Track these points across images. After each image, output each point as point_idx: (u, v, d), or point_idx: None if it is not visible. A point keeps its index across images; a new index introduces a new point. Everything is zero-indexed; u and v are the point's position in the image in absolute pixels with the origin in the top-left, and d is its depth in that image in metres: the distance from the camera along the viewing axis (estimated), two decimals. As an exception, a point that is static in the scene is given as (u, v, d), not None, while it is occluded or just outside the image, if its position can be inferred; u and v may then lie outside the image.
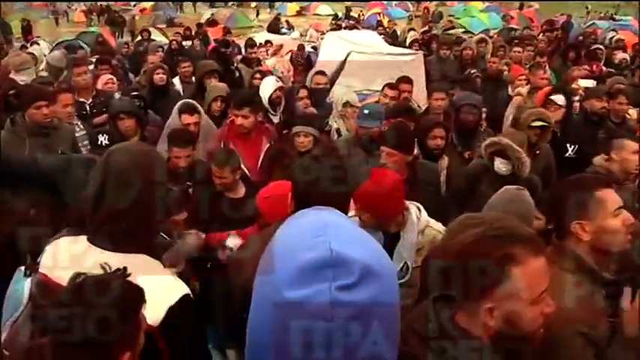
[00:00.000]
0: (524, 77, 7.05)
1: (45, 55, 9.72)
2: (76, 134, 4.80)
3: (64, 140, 4.43)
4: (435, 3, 40.42)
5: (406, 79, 5.98)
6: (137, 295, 1.47)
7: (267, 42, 11.33)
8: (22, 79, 6.90)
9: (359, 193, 2.65)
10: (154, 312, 1.59)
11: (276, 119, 5.29)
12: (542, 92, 5.48)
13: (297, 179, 1.98)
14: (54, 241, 1.85)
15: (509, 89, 7.12)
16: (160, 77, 6.22)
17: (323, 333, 0.86)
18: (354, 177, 2.28)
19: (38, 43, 11.76)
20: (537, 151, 4.41)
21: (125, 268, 1.51)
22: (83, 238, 1.76)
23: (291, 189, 2.01)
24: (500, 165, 3.83)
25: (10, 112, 5.32)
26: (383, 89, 5.76)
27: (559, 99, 5.12)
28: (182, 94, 6.56)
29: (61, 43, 15.33)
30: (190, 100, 4.85)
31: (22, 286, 2.13)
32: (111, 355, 1.41)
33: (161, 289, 1.66)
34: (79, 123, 5.10)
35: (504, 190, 2.95)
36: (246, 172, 4.10)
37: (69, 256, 1.72)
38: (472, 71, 7.55)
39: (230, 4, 43.32)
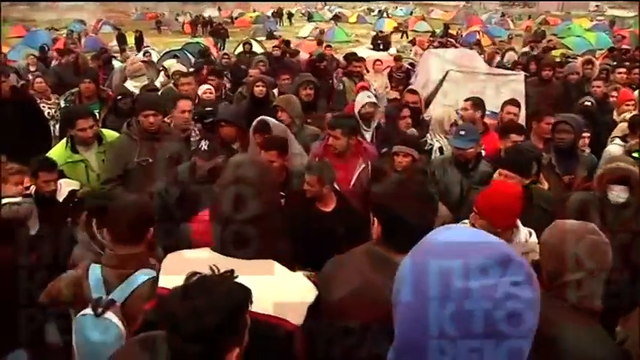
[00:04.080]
0: (632, 102, 6.67)
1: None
2: (192, 139, 5.03)
3: (173, 145, 4.70)
4: (537, 21, 39.18)
5: (513, 102, 5.81)
6: (245, 296, 1.54)
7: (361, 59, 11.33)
8: (135, 84, 7.46)
9: (480, 196, 2.92)
10: (296, 312, 1.70)
11: (368, 135, 5.32)
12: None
13: (381, 206, 1.99)
14: (171, 255, 1.94)
15: (615, 114, 6.76)
16: (259, 90, 6.46)
17: (492, 320, 1.00)
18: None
19: (149, 53, 12.53)
20: None
21: (232, 270, 1.59)
22: (207, 250, 1.84)
23: (377, 216, 2.00)
24: (619, 192, 3.55)
25: (120, 115, 5.79)
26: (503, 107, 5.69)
27: None
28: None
29: (169, 52, 16.36)
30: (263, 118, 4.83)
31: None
32: (221, 350, 1.49)
33: (298, 291, 1.76)
34: (195, 128, 5.34)
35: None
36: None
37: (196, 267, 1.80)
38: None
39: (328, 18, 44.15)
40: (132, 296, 2.40)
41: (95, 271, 2.48)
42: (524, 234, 2.91)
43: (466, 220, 3.07)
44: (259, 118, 4.74)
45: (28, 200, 3.97)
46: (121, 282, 2.43)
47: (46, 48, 15.00)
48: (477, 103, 5.55)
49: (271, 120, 4.72)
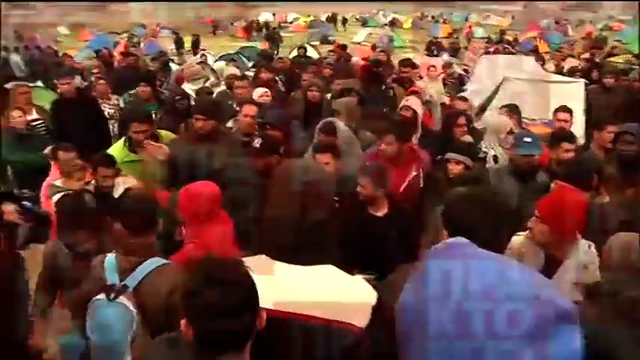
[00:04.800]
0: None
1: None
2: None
3: (229, 147, 4.77)
4: (599, 27, 37.84)
5: (564, 108, 5.65)
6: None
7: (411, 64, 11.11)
8: (192, 87, 7.66)
9: (544, 201, 2.90)
10: (360, 315, 1.70)
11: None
12: None
13: (452, 218, 1.95)
14: None
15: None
16: (313, 95, 6.53)
17: None
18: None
19: (205, 56, 12.81)
20: None
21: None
22: (262, 257, 1.82)
23: (447, 227, 2.00)
24: None
25: (177, 115, 5.95)
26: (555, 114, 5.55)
27: None
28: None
29: (224, 55, 16.68)
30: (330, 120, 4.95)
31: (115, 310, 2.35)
32: (253, 323, 1.52)
33: (361, 294, 1.77)
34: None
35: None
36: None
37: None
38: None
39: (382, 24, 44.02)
40: (144, 282, 2.50)
41: (110, 260, 2.62)
42: (584, 245, 2.82)
43: (521, 233, 3.00)
44: (326, 119, 4.79)
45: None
46: (133, 269, 2.54)
47: (105, 51, 15.53)
48: (512, 110, 5.44)
49: (338, 122, 4.75)
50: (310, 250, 1.77)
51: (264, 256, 1.81)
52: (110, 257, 2.64)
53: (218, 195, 3.17)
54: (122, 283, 2.49)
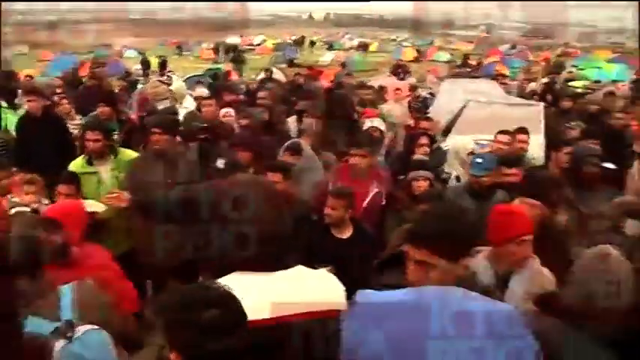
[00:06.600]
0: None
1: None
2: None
3: (185, 166, 4.72)
4: (555, 52, 39.09)
5: (523, 130, 5.83)
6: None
7: (382, 87, 11.25)
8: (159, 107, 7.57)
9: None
10: (339, 300, 1.85)
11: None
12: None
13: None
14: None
15: (636, 146, 6.67)
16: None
17: None
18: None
19: (170, 77, 12.74)
20: None
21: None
22: (234, 274, 1.87)
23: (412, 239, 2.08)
24: (634, 227, 3.55)
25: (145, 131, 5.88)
26: (495, 136, 5.62)
27: None
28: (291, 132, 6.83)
29: (191, 77, 16.62)
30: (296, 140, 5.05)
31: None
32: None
33: (332, 284, 1.93)
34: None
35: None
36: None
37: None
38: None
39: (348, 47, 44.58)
40: (75, 304, 2.29)
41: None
42: (537, 263, 2.86)
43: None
44: (294, 140, 4.82)
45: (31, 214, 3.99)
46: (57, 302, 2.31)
47: (69, 71, 15.33)
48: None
49: (304, 144, 4.80)
50: (273, 259, 1.87)
51: (234, 274, 1.85)
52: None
53: None
54: (64, 320, 2.19)
